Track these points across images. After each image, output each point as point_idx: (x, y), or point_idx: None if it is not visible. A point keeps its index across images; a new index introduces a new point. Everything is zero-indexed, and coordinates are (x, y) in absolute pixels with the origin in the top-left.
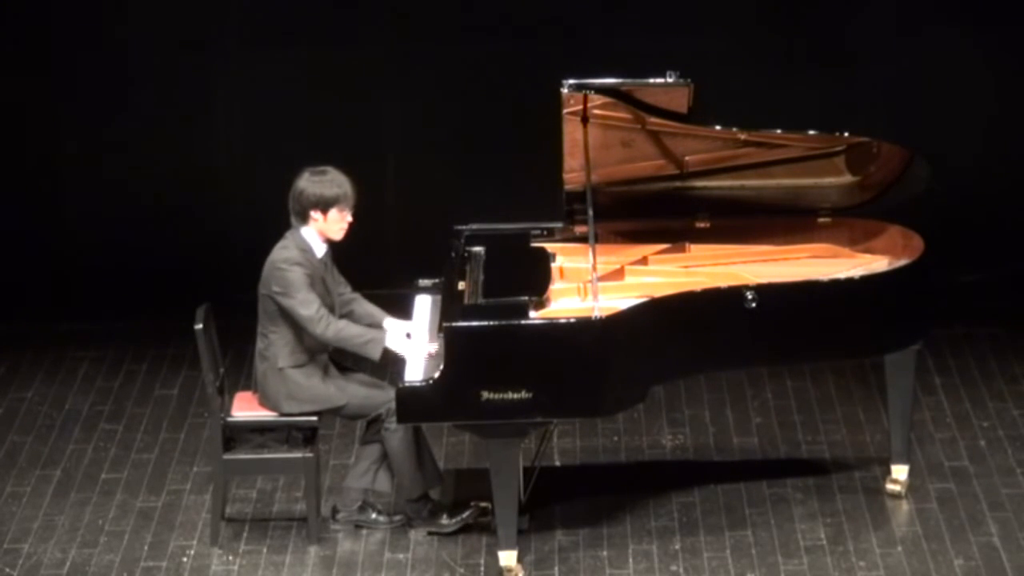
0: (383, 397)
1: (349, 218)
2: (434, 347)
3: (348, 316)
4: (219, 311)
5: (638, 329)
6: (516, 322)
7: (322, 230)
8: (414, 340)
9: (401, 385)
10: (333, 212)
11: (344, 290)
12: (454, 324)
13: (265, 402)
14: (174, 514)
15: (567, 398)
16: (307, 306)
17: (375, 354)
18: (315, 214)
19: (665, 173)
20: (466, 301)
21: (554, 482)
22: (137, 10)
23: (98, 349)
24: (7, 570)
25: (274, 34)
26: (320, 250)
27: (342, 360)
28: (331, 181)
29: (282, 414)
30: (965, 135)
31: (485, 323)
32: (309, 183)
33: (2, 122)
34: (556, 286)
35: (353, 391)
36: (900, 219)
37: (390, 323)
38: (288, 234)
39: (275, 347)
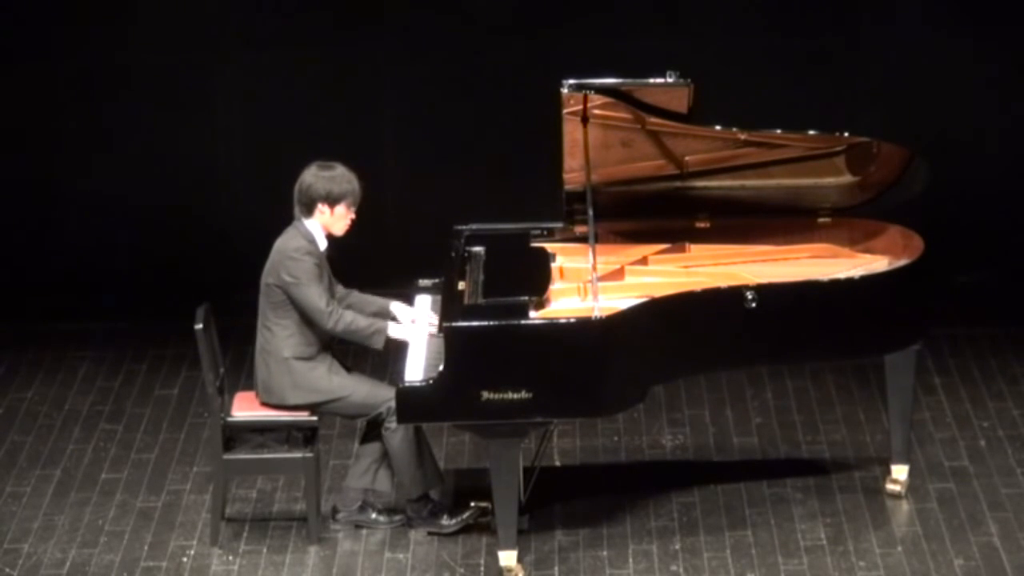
0: (385, 395)
1: (352, 215)
2: (435, 320)
3: (348, 308)
4: (219, 311)
5: (638, 329)
6: (516, 322)
7: (326, 224)
8: (414, 323)
9: (401, 385)
10: (340, 207)
11: (336, 286)
12: (454, 324)
13: (269, 397)
14: (174, 514)
15: (567, 398)
16: (320, 298)
17: (379, 344)
18: (322, 207)
19: (665, 173)
20: (466, 301)
21: (554, 482)
22: (137, 9)
23: (98, 349)
24: (7, 570)
25: (274, 34)
26: (323, 243)
27: (342, 360)
28: (341, 177)
29: (287, 406)
30: (965, 135)
31: (485, 323)
32: (317, 178)
33: (2, 122)
34: (556, 286)
35: (356, 385)
36: (900, 219)
37: (396, 307)
38: (292, 226)
39: (279, 339)
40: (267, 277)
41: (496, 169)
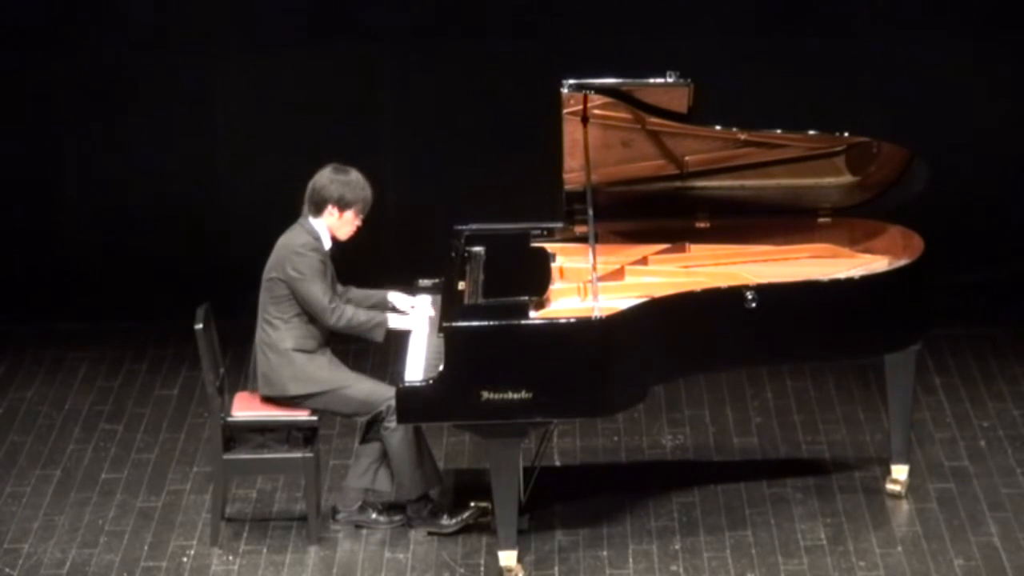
0: (386, 393)
1: (359, 222)
2: (433, 311)
3: (348, 303)
4: (219, 311)
5: (638, 329)
6: (516, 322)
7: (332, 226)
8: (413, 311)
9: (401, 385)
10: (349, 213)
11: (335, 285)
12: (454, 324)
13: (270, 390)
14: (174, 514)
15: (567, 398)
16: (324, 294)
17: (381, 336)
18: (332, 209)
19: (665, 173)
20: (466, 301)
21: (554, 482)
22: (138, 9)
23: (98, 349)
24: (7, 570)
25: (274, 34)
26: (327, 243)
27: (342, 360)
28: (355, 183)
29: (288, 398)
30: (965, 135)
31: (485, 323)
32: (332, 180)
33: (2, 122)
34: (556, 286)
35: (357, 380)
36: (900, 219)
37: (394, 296)
38: (298, 223)
39: (281, 332)
40: (270, 272)
41: (496, 169)
